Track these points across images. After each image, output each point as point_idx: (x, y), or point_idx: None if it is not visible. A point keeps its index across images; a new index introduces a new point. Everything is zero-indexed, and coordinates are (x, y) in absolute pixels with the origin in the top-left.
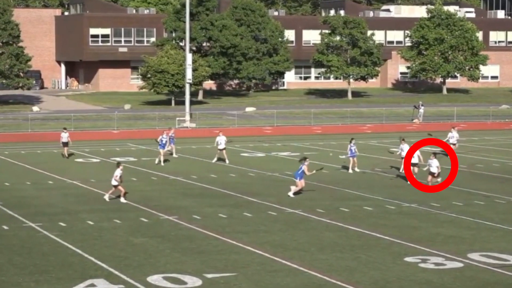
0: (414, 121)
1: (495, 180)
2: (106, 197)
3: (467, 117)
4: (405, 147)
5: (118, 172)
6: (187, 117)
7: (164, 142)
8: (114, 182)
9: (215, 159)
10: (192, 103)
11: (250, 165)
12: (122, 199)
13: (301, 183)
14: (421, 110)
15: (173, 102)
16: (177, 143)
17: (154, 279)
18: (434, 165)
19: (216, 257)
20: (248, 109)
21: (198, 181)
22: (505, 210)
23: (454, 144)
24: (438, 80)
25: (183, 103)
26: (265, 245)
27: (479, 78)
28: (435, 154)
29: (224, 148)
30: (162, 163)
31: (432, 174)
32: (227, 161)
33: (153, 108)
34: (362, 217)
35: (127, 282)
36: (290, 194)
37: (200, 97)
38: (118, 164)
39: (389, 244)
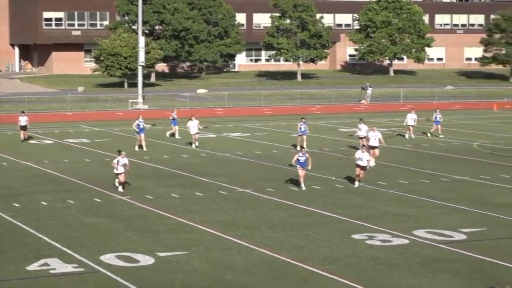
0: (362, 102)
1: (440, 159)
2: (120, 188)
3: (414, 98)
4: (363, 127)
5: (121, 160)
6: (140, 99)
7: (141, 127)
8: (120, 169)
9: (194, 145)
10: (144, 85)
11: (202, 145)
12: (120, 188)
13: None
14: (369, 91)
15: (126, 84)
16: (129, 124)
17: (107, 258)
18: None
19: (168, 236)
20: (200, 91)
21: (151, 162)
22: (449, 188)
23: (411, 126)
24: (385, 62)
25: (135, 85)
26: (217, 223)
27: (425, 60)
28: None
29: (197, 133)
30: (137, 148)
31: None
32: (194, 145)
33: (106, 90)
34: (311, 196)
35: (80, 261)
36: (303, 186)
37: (152, 79)
38: (120, 152)
39: (337, 222)
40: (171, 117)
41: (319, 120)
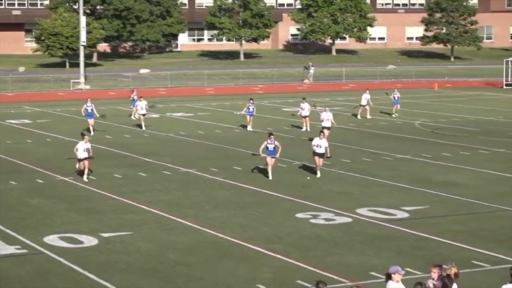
0: (304, 81)
1: (382, 138)
2: (84, 177)
3: (356, 77)
4: (306, 106)
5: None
6: (82, 79)
7: (89, 111)
8: (83, 155)
9: (143, 127)
10: (86, 65)
11: (146, 126)
12: (85, 177)
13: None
14: (311, 70)
15: (67, 64)
16: (71, 105)
17: (50, 239)
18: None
19: (112, 217)
20: (142, 71)
21: (93, 142)
22: (391, 166)
23: (364, 106)
24: (328, 41)
25: (77, 65)
26: (160, 204)
27: (367, 40)
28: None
29: (144, 114)
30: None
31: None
32: (143, 127)
33: (47, 70)
34: (254, 175)
35: (23, 243)
36: (270, 176)
37: (94, 59)
38: (83, 136)
39: (281, 201)
40: (130, 98)
41: (262, 100)
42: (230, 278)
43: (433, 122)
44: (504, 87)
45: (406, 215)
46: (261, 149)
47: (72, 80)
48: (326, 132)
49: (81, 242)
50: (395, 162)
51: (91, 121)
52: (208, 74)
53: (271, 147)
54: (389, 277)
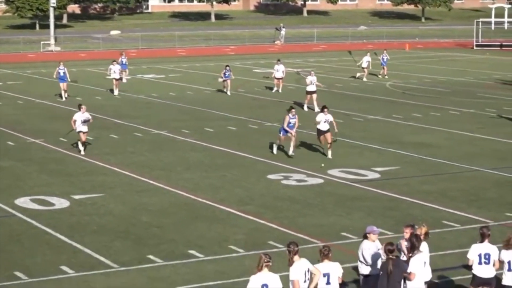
0: (276, 42)
1: (354, 99)
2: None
3: (327, 38)
4: (280, 67)
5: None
6: (52, 41)
7: (61, 75)
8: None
9: (116, 91)
10: (56, 26)
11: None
12: (82, 150)
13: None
14: (283, 32)
15: (37, 26)
16: (41, 66)
17: (21, 201)
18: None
19: (83, 179)
20: (113, 32)
21: (64, 104)
22: (362, 127)
23: (364, 68)
24: (299, 2)
25: (47, 27)
26: (132, 165)
27: (338, 0)
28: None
29: (118, 79)
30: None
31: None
32: (116, 91)
33: (17, 32)
34: (226, 137)
35: None
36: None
37: (64, 20)
38: (80, 106)
39: (253, 162)
40: (119, 61)
41: (234, 61)
42: (202, 240)
43: (404, 83)
44: (475, 48)
45: (377, 175)
46: (285, 124)
47: (42, 42)
48: (310, 96)
49: (53, 204)
50: (366, 123)
51: (63, 85)
52: (179, 35)
53: (293, 122)
54: (365, 237)
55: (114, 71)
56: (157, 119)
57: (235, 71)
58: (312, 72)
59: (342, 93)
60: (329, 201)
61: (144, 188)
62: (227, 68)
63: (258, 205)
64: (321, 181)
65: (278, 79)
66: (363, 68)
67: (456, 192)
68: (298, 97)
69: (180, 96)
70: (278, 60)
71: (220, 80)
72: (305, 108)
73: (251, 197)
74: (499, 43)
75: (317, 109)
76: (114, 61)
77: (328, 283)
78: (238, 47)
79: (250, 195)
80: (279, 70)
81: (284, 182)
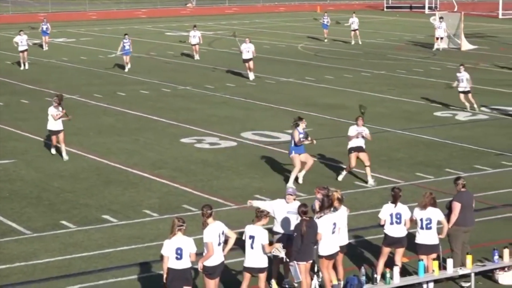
0: (187, 5)
1: (266, 61)
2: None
3: (239, 1)
4: (197, 34)
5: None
6: None
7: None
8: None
9: (24, 66)
10: None
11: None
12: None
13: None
14: None
15: None
16: None
17: None
18: None
19: None
20: None
21: None
22: (275, 90)
23: (354, 30)
24: None
25: None
26: (44, 131)
27: None
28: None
29: (26, 50)
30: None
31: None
32: (24, 66)
33: None
34: (139, 101)
35: None
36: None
37: None
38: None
39: (166, 126)
40: (40, 28)
41: (146, 24)
42: (116, 204)
43: (316, 45)
44: (385, 9)
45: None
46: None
47: None
48: (247, 64)
49: None
50: (279, 85)
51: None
52: None
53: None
54: (284, 197)
55: (22, 41)
56: (68, 83)
57: (147, 34)
58: (247, 40)
59: (255, 56)
60: (242, 164)
61: (56, 153)
62: (126, 37)
63: (172, 169)
64: (234, 144)
65: (194, 45)
66: (353, 30)
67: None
68: (211, 60)
69: (91, 60)
70: (194, 26)
71: (118, 54)
72: (250, 76)
73: (164, 161)
74: (409, 5)
75: (252, 76)
76: (21, 30)
77: (251, 247)
78: (149, 10)
79: (164, 159)
80: (195, 36)
81: (197, 145)
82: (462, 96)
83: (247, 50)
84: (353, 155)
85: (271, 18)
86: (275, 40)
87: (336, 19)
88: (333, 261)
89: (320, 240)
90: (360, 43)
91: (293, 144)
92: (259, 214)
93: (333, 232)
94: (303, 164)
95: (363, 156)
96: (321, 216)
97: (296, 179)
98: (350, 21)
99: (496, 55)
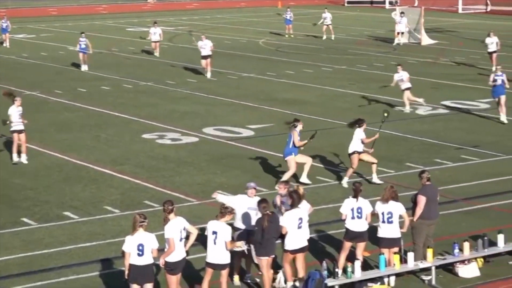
0: (148, 1)
1: (227, 56)
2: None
3: None
4: (157, 30)
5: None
6: None
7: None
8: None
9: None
10: None
11: None
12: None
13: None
14: None
15: None
16: None
17: None
18: None
19: None
20: None
21: None
22: (237, 85)
23: (327, 25)
24: None
25: None
26: (4, 128)
27: None
28: None
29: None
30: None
31: None
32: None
33: None
34: (100, 97)
35: None
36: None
37: None
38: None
39: (127, 122)
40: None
41: (106, 20)
42: (77, 201)
43: (277, 40)
44: (346, 4)
45: (251, 133)
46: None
47: None
48: (205, 61)
49: None
50: (240, 80)
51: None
52: None
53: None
54: (245, 193)
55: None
56: (29, 79)
57: (108, 29)
58: (203, 36)
59: (215, 51)
60: (204, 159)
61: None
62: (83, 37)
63: (133, 165)
64: (196, 139)
65: (155, 42)
66: (326, 25)
67: (328, 147)
68: (172, 56)
69: (52, 56)
70: (155, 22)
71: (75, 49)
72: (208, 75)
73: (126, 157)
74: (369, 0)
75: (209, 74)
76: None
77: (214, 243)
78: (110, 6)
79: (125, 154)
80: (156, 33)
81: (159, 141)
82: (408, 93)
83: (204, 47)
84: (356, 156)
85: (232, 13)
86: (236, 36)
87: (312, 22)
88: (298, 256)
89: (284, 233)
90: (333, 38)
91: (290, 146)
92: (224, 211)
93: (299, 227)
94: (301, 164)
95: (367, 156)
96: (288, 210)
97: (297, 178)
98: (323, 16)
99: (456, 49)
